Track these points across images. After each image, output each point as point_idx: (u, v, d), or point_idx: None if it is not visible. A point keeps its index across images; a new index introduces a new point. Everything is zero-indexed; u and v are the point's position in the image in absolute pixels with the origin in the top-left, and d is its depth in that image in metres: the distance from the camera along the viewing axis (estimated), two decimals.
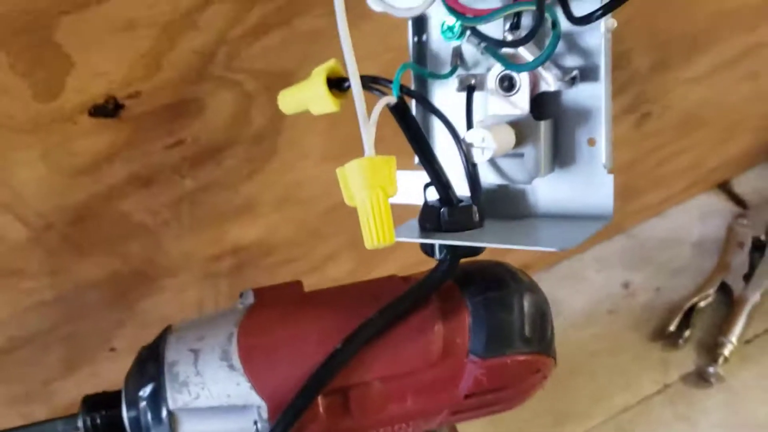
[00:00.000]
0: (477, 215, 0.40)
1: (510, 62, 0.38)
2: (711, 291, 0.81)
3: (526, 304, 0.43)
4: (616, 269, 0.86)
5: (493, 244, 0.38)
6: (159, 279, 0.57)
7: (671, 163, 0.83)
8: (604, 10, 0.32)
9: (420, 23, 0.43)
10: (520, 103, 0.39)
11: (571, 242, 0.36)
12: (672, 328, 0.79)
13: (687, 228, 0.89)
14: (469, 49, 0.42)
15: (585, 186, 0.40)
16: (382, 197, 0.34)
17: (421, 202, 0.42)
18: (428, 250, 0.42)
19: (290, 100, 0.41)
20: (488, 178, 0.41)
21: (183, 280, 0.59)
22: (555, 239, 0.37)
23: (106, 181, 0.49)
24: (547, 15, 0.36)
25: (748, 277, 0.81)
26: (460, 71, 0.42)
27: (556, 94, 0.40)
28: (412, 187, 0.42)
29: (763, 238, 0.84)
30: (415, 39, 0.43)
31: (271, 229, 0.60)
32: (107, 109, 0.45)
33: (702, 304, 0.81)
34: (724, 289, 0.82)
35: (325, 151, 0.57)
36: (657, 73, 0.70)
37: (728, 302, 0.81)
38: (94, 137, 0.46)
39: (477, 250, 0.42)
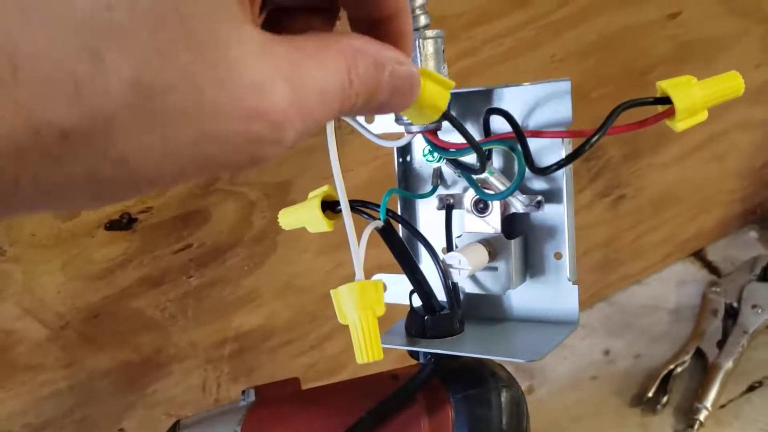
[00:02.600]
0: (457, 323, 0.45)
1: (482, 190, 0.43)
2: (687, 357, 0.84)
3: (503, 399, 0.47)
4: (598, 336, 0.90)
5: (472, 354, 0.42)
6: (166, 365, 0.62)
7: (648, 236, 0.88)
8: (558, 166, 0.37)
9: (404, 148, 0.48)
10: (492, 223, 0.44)
11: (540, 352, 0.41)
12: (650, 394, 0.82)
13: (664, 296, 0.94)
14: (448, 170, 0.47)
15: (553, 295, 0.45)
16: (371, 317, 0.38)
17: (408, 303, 0.47)
18: (414, 354, 0.46)
19: (289, 219, 0.46)
20: (467, 287, 0.46)
21: (188, 365, 0.63)
22: (527, 349, 0.42)
23: (120, 283, 0.54)
24: (513, 153, 0.41)
25: (721, 344, 0.85)
26: (440, 189, 0.47)
27: (525, 214, 0.45)
28: (401, 289, 0.47)
29: (735, 305, 0.88)
30: (400, 160, 0.48)
31: (272, 315, 0.64)
32: (122, 223, 0.50)
33: (679, 369, 0.84)
34: (700, 355, 0.85)
35: (321, 246, 0.62)
36: (629, 161, 0.75)
37: (704, 368, 0.84)
38: (110, 247, 0.51)
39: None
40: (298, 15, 0.28)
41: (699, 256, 0.97)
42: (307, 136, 0.23)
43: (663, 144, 0.77)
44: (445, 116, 0.34)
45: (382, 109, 0.28)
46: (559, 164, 0.37)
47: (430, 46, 0.42)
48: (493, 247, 0.44)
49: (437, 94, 0.32)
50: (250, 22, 0.22)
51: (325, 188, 0.45)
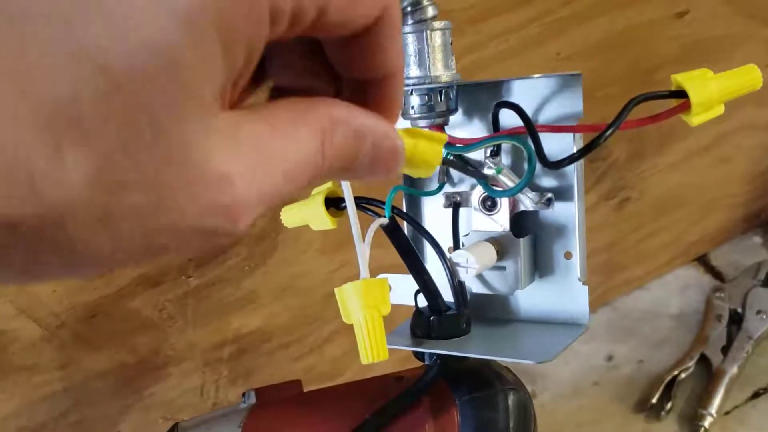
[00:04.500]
0: (464, 323, 0.44)
1: (490, 187, 0.42)
2: (691, 363, 0.84)
3: (510, 402, 0.46)
4: (600, 341, 0.89)
5: (479, 355, 0.41)
6: (164, 367, 0.60)
7: (651, 240, 0.87)
8: (571, 160, 0.36)
9: None
10: (501, 221, 0.43)
11: (550, 354, 0.40)
12: (654, 400, 0.81)
13: (667, 300, 0.93)
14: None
15: (563, 295, 0.44)
16: (377, 317, 0.36)
17: (413, 304, 0.45)
18: (419, 355, 0.45)
19: (292, 216, 0.45)
20: (474, 287, 0.45)
21: (186, 367, 0.62)
22: (535, 350, 0.41)
23: (117, 282, 0.52)
24: (523, 149, 0.40)
25: (726, 350, 0.84)
26: (447, 187, 0.46)
27: (534, 212, 0.43)
28: (407, 290, 0.46)
29: (740, 310, 0.87)
30: None
31: (272, 317, 0.63)
32: None
33: (683, 375, 0.83)
34: (704, 361, 0.84)
35: (322, 246, 0.61)
36: (634, 163, 0.74)
37: (708, 374, 0.83)
38: None
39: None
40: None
41: (702, 260, 0.97)
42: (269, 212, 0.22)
43: (668, 145, 0.76)
44: (446, 163, 0.33)
45: (359, 178, 0.26)
46: (572, 158, 0.36)
47: (437, 38, 0.41)
48: (501, 245, 0.43)
49: (430, 151, 0.30)
50: (223, 106, 0.20)
51: (328, 184, 0.44)
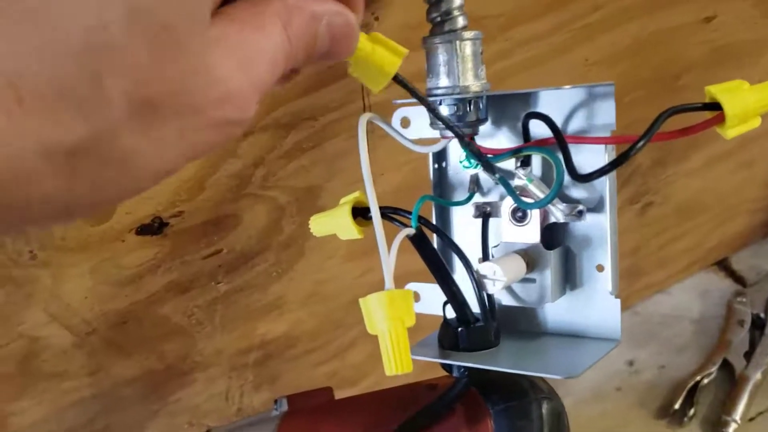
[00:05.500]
0: (492, 336, 0.43)
1: (519, 198, 0.42)
2: (713, 369, 0.83)
3: (544, 412, 0.46)
4: (622, 346, 0.88)
5: (505, 369, 0.41)
6: (190, 373, 0.61)
7: (673, 245, 0.87)
8: (601, 173, 0.36)
9: (439, 154, 0.47)
10: (531, 232, 0.43)
11: (578, 369, 0.39)
12: (677, 406, 0.81)
13: (688, 305, 0.92)
14: (486, 176, 0.46)
15: (594, 309, 0.44)
16: (401, 328, 0.36)
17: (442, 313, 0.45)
18: (447, 367, 0.45)
19: (321, 226, 0.45)
20: (504, 299, 0.45)
21: (213, 373, 0.62)
22: (563, 365, 0.40)
23: (148, 289, 0.53)
24: (551, 159, 0.40)
25: (749, 355, 0.83)
26: (477, 197, 0.46)
27: (565, 224, 0.43)
28: (436, 299, 0.46)
29: (762, 315, 0.87)
30: (435, 166, 0.47)
31: (297, 323, 0.64)
32: (153, 228, 0.49)
33: (705, 381, 0.82)
34: (727, 367, 0.84)
35: (348, 252, 0.61)
36: (657, 168, 0.74)
37: (731, 379, 0.83)
38: (140, 252, 0.50)
39: None
40: None
41: (723, 265, 0.96)
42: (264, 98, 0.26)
43: (692, 150, 0.76)
44: (396, 80, 0.34)
45: (325, 59, 0.29)
46: (602, 171, 0.36)
47: (468, 48, 0.41)
48: (531, 257, 0.43)
49: (387, 59, 0.32)
50: (212, 19, 0.24)
51: (356, 194, 0.44)
